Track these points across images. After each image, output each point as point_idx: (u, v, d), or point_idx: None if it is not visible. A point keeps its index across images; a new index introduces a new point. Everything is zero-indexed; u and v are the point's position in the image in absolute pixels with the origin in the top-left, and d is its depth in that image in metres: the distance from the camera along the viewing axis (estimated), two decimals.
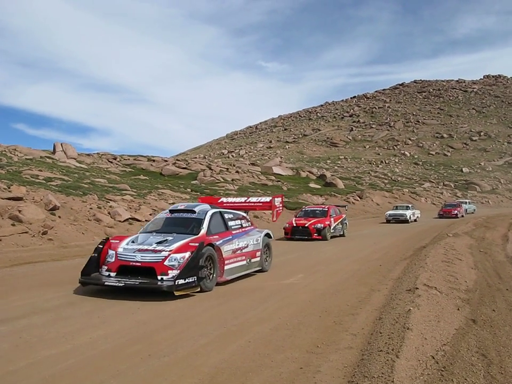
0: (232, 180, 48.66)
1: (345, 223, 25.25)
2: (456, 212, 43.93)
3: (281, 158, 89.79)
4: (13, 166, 28.86)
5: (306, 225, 22.62)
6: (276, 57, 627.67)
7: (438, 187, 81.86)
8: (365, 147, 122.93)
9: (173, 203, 28.00)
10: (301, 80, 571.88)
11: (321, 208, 25.47)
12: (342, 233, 24.53)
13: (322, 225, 22.55)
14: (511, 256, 15.48)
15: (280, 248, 18.16)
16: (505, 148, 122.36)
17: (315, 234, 22.35)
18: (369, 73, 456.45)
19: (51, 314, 7.88)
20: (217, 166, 56.10)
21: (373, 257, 15.85)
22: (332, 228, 23.18)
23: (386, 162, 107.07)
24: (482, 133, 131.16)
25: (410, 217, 37.49)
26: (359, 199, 51.96)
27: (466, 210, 50.87)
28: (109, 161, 51.35)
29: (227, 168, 55.74)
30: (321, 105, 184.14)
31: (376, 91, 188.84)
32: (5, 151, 36.56)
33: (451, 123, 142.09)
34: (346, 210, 28.98)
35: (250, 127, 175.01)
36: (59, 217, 19.13)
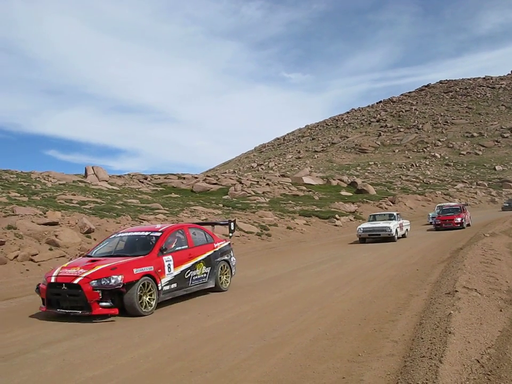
0: (263, 193, 48.72)
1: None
2: (460, 219, 31.48)
3: (310, 167, 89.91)
4: (47, 192, 29.39)
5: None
6: (299, 67, 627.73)
7: (471, 187, 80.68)
8: (394, 151, 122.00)
9: (206, 219, 28.14)
10: (325, 89, 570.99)
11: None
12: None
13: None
14: None
15: (312, 259, 18.15)
16: None
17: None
18: (393, 77, 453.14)
19: (92, 336, 7.97)
20: (247, 179, 56.27)
21: (410, 261, 15.70)
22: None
23: (417, 165, 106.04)
24: None
25: (395, 231, 25.72)
26: (391, 204, 51.51)
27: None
28: (140, 182, 51.94)
29: (257, 181, 55.85)
30: (348, 112, 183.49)
31: (402, 94, 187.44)
32: (39, 177, 37.29)
33: (480, 121, 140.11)
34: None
35: (278, 138, 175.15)
36: (94, 239, 19.36)
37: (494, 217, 38.93)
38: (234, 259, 13.08)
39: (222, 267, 12.15)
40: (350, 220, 39.34)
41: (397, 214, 28.59)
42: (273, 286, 12.27)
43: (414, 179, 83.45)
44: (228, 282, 12.31)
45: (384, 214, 29.94)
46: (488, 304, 8.29)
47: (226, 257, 12.52)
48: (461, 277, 10.45)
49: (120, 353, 6.86)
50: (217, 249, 12.25)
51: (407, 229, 28.43)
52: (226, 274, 12.34)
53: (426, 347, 6.01)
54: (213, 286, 11.78)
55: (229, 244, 13.28)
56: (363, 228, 26.15)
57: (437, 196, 63.98)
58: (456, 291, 8.95)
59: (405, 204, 53.42)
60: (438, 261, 14.99)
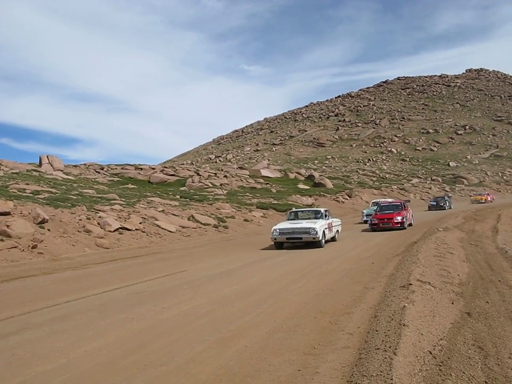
0: (221, 185, 48.63)
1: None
2: (400, 218, 27.04)
3: (268, 160, 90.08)
4: None
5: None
6: (258, 60, 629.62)
7: (426, 182, 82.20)
8: (351, 146, 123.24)
9: (163, 211, 27.94)
10: (284, 82, 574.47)
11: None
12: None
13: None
14: (501, 248, 15.52)
15: (268, 252, 18.24)
16: (490, 141, 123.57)
17: None
18: (352, 72, 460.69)
19: (44, 329, 7.81)
20: (205, 171, 56.08)
21: (365, 255, 15.87)
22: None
23: (374, 160, 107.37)
24: (467, 127, 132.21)
25: (322, 234, 19.77)
26: (348, 198, 52.06)
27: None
28: (96, 172, 51.22)
29: (215, 173, 55.75)
30: (306, 106, 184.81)
31: (360, 89, 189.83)
32: None
33: (436, 118, 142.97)
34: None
35: (237, 131, 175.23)
36: (48, 230, 19.00)
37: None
38: None
39: None
40: None
41: (325, 211, 22.41)
42: (230, 279, 12.26)
43: (371, 173, 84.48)
44: None
45: (309, 211, 23.75)
46: (440, 297, 8.43)
47: None
48: (415, 270, 10.60)
49: (73, 347, 6.73)
50: None
51: (337, 230, 22.90)
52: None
53: (380, 339, 6.08)
54: None
55: None
56: (279, 229, 19.97)
57: (392, 191, 64.92)
58: (410, 284, 9.07)
59: (361, 198, 54.06)
60: (393, 255, 15.18)
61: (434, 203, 49.78)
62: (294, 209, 24.88)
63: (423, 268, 10.97)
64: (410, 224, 28.72)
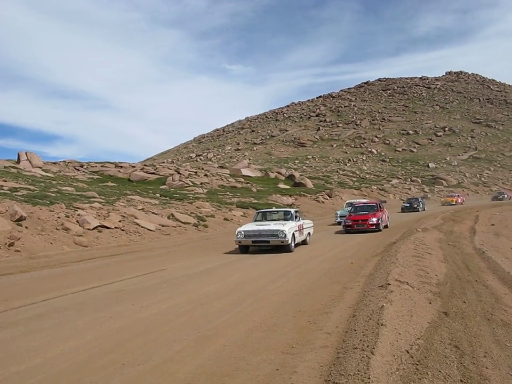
0: (201, 184, 48.54)
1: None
2: (375, 220, 25.66)
3: (249, 159, 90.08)
4: None
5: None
6: (240, 59, 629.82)
7: (405, 183, 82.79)
8: (332, 146, 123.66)
9: (142, 209, 27.81)
10: (266, 82, 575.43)
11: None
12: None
13: None
14: (478, 248, 15.67)
15: (251, 248, 18.28)
16: (469, 142, 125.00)
17: None
18: (333, 73, 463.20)
19: (20, 328, 7.73)
20: (185, 170, 55.90)
21: (345, 255, 15.94)
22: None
23: (354, 160, 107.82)
24: (446, 128, 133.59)
25: (292, 237, 18.02)
26: (328, 197, 52.28)
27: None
28: (76, 169, 50.82)
29: (196, 172, 55.61)
30: (288, 106, 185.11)
31: (341, 90, 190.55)
32: None
33: (416, 119, 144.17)
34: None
35: (218, 130, 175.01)
36: (26, 227, 18.82)
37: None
38: None
39: None
40: None
41: (296, 212, 20.61)
42: (209, 278, 12.23)
43: (351, 174, 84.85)
44: None
45: (278, 212, 21.64)
46: (418, 297, 8.49)
47: None
48: (393, 270, 10.67)
49: (49, 346, 6.67)
50: None
51: (309, 233, 21.12)
52: None
53: (359, 339, 6.10)
54: None
55: None
56: (244, 231, 18.08)
57: (372, 191, 65.29)
58: (389, 284, 9.13)
59: (342, 198, 54.25)
60: (372, 254, 15.26)
61: (408, 205, 48.52)
62: (261, 210, 23.13)
63: (401, 268, 11.04)
64: (386, 226, 27.46)
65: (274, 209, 24.45)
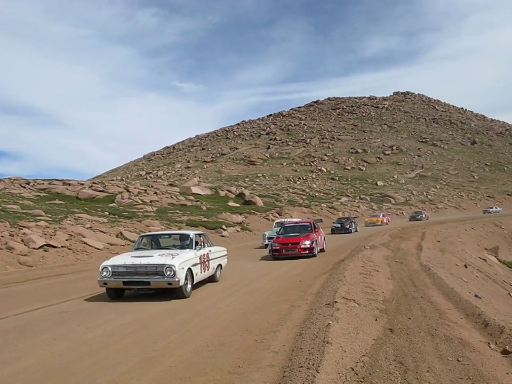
0: (151, 202, 48.04)
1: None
2: (308, 243, 21.16)
3: (199, 177, 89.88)
4: None
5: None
6: (191, 77, 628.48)
7: (354, 201, 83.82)
8: (282, 164, 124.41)
9: (90, 227, 27.37)
10: (216, 100, 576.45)
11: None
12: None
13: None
14: (424, 265, 15.99)
15: None
16: (416, 161, 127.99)
17: None
18: (284, 92, 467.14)
19: None
20: (135, 188, 55.25)
21: (293, 273, 16.00)
22: None
23: (304, 178, 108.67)
24: (394, 147, 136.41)
25: (187, 275, 11.95)
26: (278, 215, 52.43)
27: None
28: (22, 186, 49.57)
29: (145, 190, 55.03)
30: (238, 124, 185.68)
31: (291, 109, 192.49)
32: None
33: (365, 138, 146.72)
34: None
35: (168, 147, 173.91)
36: None
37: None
38: None
39: None
40: (237, 231, 39.66)
41: (199, 235, 14.47)
42: (157, 297, 12.07)
43: (301, 192, 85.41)
44: None
45: (173, 235, 15.66)
46: (365, 314, 8.59)
47: None
48: (340, 288, 10.77)
49: None
50: None
51: (220, 265, 15.23)
52: None
53: (304, 357, 6.12)
54: None
55: None
56: (112, 267, 11.83)
57: (322, 209, 65.89)
58: (336, 302, 9.21)
59: (291, 216, 54.50)
60: (320, 272, 15.37)
61: (339, 225, 42.98)
62: (147, 233, 17.70)
63: (348, 286, 11.16)
64: (322, 250, 23.29)
65: (168, 231, 19.99)
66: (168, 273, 11.37)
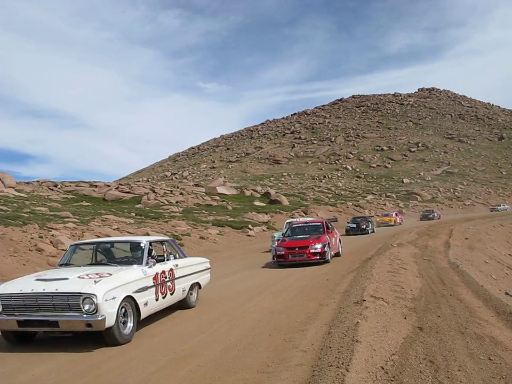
0: (177, 202, 48.28)
1: None
2: (319, 247, 17.85)
3: (224, 177, 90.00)
4: None
5: None
6: (215, 78, 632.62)
7: (380, 199, 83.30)
8: (307, 163, 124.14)
9: (117, 228, 27.59)
10: (240, 100, 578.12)
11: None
12: None
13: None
14: (453, 262, 15.79)
15: (224, 269, 18.13)
16: (442, 158, 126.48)
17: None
18: (308, 90, 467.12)
19: None
20: (161, 188, 55.61)
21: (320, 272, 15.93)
22: None
23: (329, 177, 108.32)
24: (420, 144, 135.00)
25: (128, 309, 7.83)
26: (304, 214, 52.28)
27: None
28: (50, 189, 50.21)
29: (171, 191, 55.33)
30: (262, 124, 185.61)
31: (315, 107, 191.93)
32: None
33: (390, 135, 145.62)
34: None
35: (193, 148, 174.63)
36: None
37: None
38: None
39: None
40: (263, 230, 39.61)
41: (161, 243, 10.42)
42: None
43: (326, 190, 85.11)
44: None
45: (112, 244, 10.15)
46: (393, 312, 8.51)
47: None
48: (368, 286, 10.69)
49: (19, 372, 6.52)
50: None
51: (198, 283, 11.10)
52: None
53: (334, 356, 6.08)
54: None
55: None
56: (1, 298, 7.44)
57: (348, 207, 65.56)
58: (364, 300, 9.14)
59: (317, 215, 54.37)
60: (347, 271, 15.26)
61: (354, 225, 38.75)
62: (80, 241, 14.19)
63: (376, 284, 11.07)
64: (337, 254, 20.29)
65: (108, 238, 12.39)
66: (87, 307, 7.13)
